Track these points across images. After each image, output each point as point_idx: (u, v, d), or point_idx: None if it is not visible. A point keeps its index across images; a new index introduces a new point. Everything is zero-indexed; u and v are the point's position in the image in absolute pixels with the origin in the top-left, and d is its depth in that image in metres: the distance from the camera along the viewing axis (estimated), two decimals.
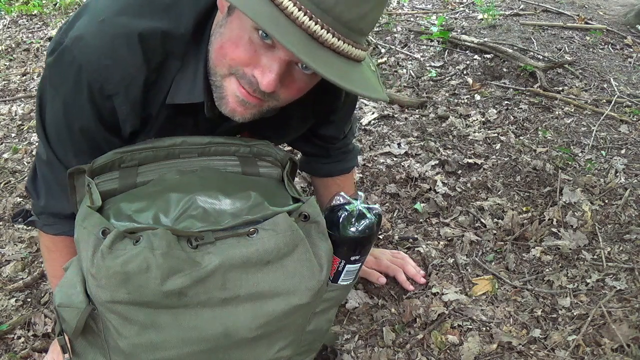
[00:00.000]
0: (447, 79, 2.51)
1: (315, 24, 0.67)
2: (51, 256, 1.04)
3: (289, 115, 0.94)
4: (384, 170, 1.82)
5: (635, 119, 2.16)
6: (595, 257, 1.44)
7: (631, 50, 2.82)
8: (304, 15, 0.66)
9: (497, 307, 1.30)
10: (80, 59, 0.78)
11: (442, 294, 1.33)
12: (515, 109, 2.23)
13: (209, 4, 0.81)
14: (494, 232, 1.54)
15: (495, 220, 1.58)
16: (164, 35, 0.79)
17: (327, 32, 0.68)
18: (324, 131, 1.13)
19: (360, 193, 0.90)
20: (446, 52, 2.75)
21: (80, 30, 0.78)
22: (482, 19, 3.11)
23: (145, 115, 0.85)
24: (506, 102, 2.29)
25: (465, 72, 2.56)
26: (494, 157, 1.89)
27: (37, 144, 1.78)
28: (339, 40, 0.69)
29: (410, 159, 1.89)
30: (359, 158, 1.87)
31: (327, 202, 0.91)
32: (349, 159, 1.26)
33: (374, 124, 2.14)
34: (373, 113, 2.20)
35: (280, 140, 1.08)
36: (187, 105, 0.85)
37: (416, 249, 1.48)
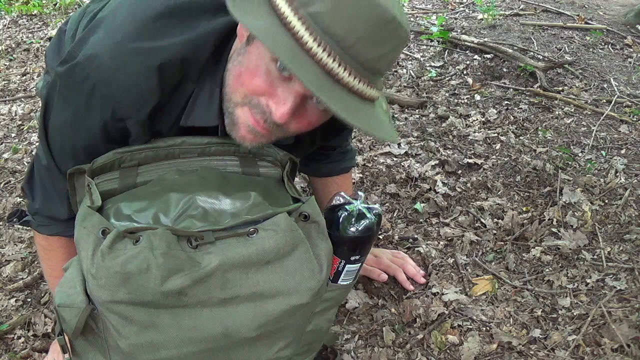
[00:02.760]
0: (447, 79, 2.51)
1: (333, 61, 0.68)
2: (47, 255, 1.04)
3: (299, 140, 0.95)
4: (384, 170, 1.82)
5: (635, 119, 2.16)
6: (595, 257, 1.44)
7: (631, 50, 2.82)
8: (323, 51, 0.67)
9: (497, 307, 1.30)
10: (94, 78, 0.78)
11: (442, 294, 1.33)
12: (515, 109, 2.23)
13: (228, 28, 0.81)
14: (494, 232, 1.54)
15: (495, 220, 1.58)
16: (182, 62, 0.79)
17: (344, 70, 0.69)
18: (328, 143, 1.16)
19: (360, 193, 0.90)
20: (446, 52, 2.75)
21: (95, 48, 0.78)
22: (482, 19, 3.11)
23: (154, 133, 0.86)
24: (506, 102, 2.29)
25: (465, 72, 2.56)
26: (494, 157, 1.89)
27: (37, 144, 1.78)
28: (354, 79, 0.70)
29: (410, 159, 1.89)
30: (359, 158, 1.88)
31: (327, 202, 0.91)
32: (347, 159, 1.27)
33: None
34: None
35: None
36: (199, 127, 0.86)
37: (416, 249, 1.48)
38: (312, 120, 0.80)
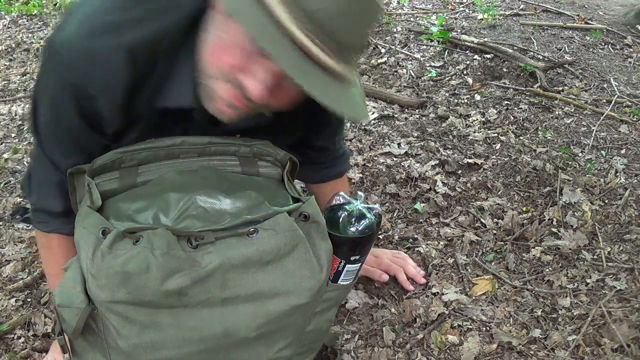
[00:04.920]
0: (447, 79, 2.51)
1: (308, 39, 0.67)
2: (46, 253, 1.04)
3: (280, 122, 0.93)
4: (384, 170, 1.82)
5: (635, 119, 2.16)
6: (595, 257, 1.44)
7: (631, 50, 2.82)
8: (297, 28, 0.67)
9: (497, 307, 1.30)
10: (66, 60, 0.77)
11: (442, 294, 1.33)
12: (515, 109, 2.23)
13: (202, 2, 0.79)
14: (494, 232, 1.54)
15: (495, 220, 1.58)
16: (154, 42, 0.78)
17: (318, 49, 0.68)
18: (315, 142, 1.13)
19: (360, 193, 0.90)
20: (446, 52, 2.75)
21: (70, 32, 0.78)
22: (482, 19, 3.11)
23: (131, 116, 0.84)
24: (506, 102, 2.29)
25: (465, 72, 2.56)
26: (494, 157, 1.89)
27: None
28: (328, 57, 0.70)
29: (410, 159, 1.89)
30: (359, 158, 1.88)
31: (327, 203, 0.91)
32: (340, 164, 1.25)
33: (374, 124, 2.14)
34: (373, 113, 2.20)
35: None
36: (177, 109, 0.84)
37: (416, 249, 1.48)
38: (292, 97, 0.79)
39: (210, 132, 0.91)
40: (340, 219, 0.86)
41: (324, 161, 1.21)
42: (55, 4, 3.51)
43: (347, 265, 0.89)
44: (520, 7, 3.30)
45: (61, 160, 0.88)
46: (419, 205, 1.64)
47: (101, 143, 0.86)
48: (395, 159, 1.89)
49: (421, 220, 1.60)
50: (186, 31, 0.79)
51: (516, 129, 2.08)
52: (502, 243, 1.50)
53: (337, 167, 1.25)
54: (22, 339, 1.24)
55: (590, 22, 3.09)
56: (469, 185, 1.74)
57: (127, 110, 0.82)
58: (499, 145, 1.96)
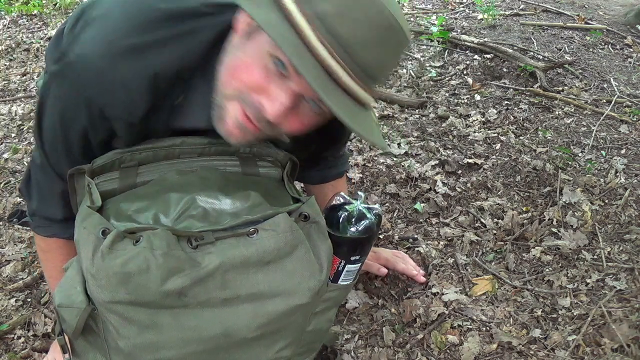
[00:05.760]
0: (447, 79, 2.51)
1: (335, 62, 0.67)
2: (46, 257, 1.04)
3: (295, 142, 0.92)
4: (384, 170, 1.82)
5: (635, 119, 2.16)
6: (595, 257, 1.44)
7: (631, 50, 2.82)
8: (325, 50, 0.66)
9: (497, 307, 1.30)
10: (84, 78, 0.76)
11: (442, 294, 1.33)
12: (515, 109, 2.23)
13: (222, 26, 0.79)
14: (494, 232, 1.54)
15: (495, 220, 1.58)
16: (176, 67, 0.77)
17: (345, 73, 0.68)
18: (324, 154, 1.15)
19: (360, 193, 0.90)
20: (446, 52, 2.75)
21: (87, 47, 0.76)
22: (482, 19, 3.11)
23: (146, 133, 0.85)
24: (506, 102, 2.29)
25: (465, 72, 2.56)
26: (494, 157, 1.89)
27: None
28: (354, 82, 0.69)
29: (410, 159, 1.89)
30: (359, 158, 1.88)
31: (327, 203, 0.91)
32: (340, 164, 1.25)
33: None
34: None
35: None
36: (190, 129, 0.85)
37: (416, 249, 1.48)
38: (306, 122, 0.78)
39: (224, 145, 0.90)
40: (340, 219, 0.86)
41: (325, 163, 1.22)
42: (55, 4, 3.51)
43: (347, 266, 0.89)
44: (520, 7, 3.30)
45: (66, 170, 0.86)
46: (419, 205, 1.64)
47: (112, 150, 0.86)
48: (395, 159, 1.89)
49: (421, 220, 1.60)
50: (205, 54, 0.79)
51: (516, 129, 2.08)
52: (502, 243, 1.50)
53: (337, 168, 1.25)
54: (22, 339, 1.24)
55: (590, 22, 3.09)
56: (469, 185, 1.74)
57: (143, 129, 0.83)
58: (499, 145, 1.96)
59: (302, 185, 1.41)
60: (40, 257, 1.08)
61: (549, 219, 1.56)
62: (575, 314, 1.27)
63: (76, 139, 0.84)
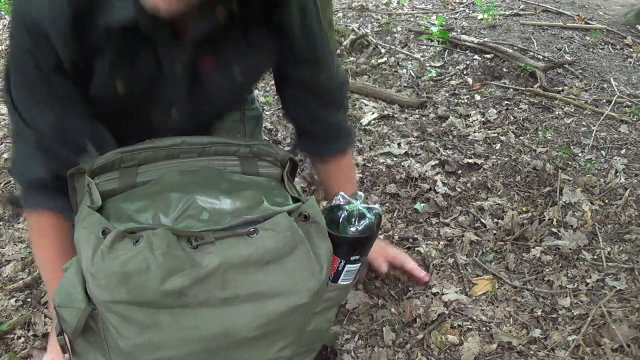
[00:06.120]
0: (447, 79, 2.51)
1: None
2: (39, 242, 1.01)
3: (250, 40, 0.90)
4: (384, 170, 1.82)
5: (635, 119, 2.16)
6: (595, 257, 1.44)
7: (631, 50, 2.82)
8: None
9: (497, 307, 1.30)
10: (21, 8, 0.79)
11: (442, 294, 1.33)
12: (515, 109, 2.23)
13: None
14: (494, 232, 1.54)
15: (495, 220, 1.58)
16: None
17: None
18: (299, 72, 1.04)
19: (360, 193, 0.90)
20: (446, 52, 2.75)
21: None
22: (482, 19, 3.11)
23: (87, 49, 0.83)
24: (506, 102, 2.29)
25: (465, 72, 2.56)
26: (494, 157, 1.89)
27: None
28: None
29: (410, 159, 1.89)
30: (359, 158, 1.88)
31: (330, 190, 0.88)
32: (340, 138, 1.18)
33: (373, 124, 2.14)
34: (373, 113, 2.20)
35: (251, 72, 1.00)
36: (133, 32, 0.81)
37: (416, 249, 1.48)
38: None
39: (182, 55, 0.87)
40: (340, 219, 0.86)
41: (321, 131, 1.15)
42: None
43: (347, 265, 0.89)
44: (520, 7, 3.30)
45: (38, 118, 0.86)
46: (419, 205, 1.64)
47: (74, 91, 0.85)
48: (395, 159, 1.89)
49: (421, 220, 1.60)
50: None
51: (516, 129, 2.08)
52: (502, 243, 1.50)
53: (338, 142, 1.18)
54: (22, 339, 1.24)
55: (590, 22, 3.09)
56: (469, 185, 1.74)
57: (80, 42, 0.81)
58: (499, 145, 1.97)
59: (302, 185, 1.41)
60: (34, 243, 1.04)
61: (549, 219, 1.56)
62: (575, 314, 1.27)
63: (33, 71, 0.83)
